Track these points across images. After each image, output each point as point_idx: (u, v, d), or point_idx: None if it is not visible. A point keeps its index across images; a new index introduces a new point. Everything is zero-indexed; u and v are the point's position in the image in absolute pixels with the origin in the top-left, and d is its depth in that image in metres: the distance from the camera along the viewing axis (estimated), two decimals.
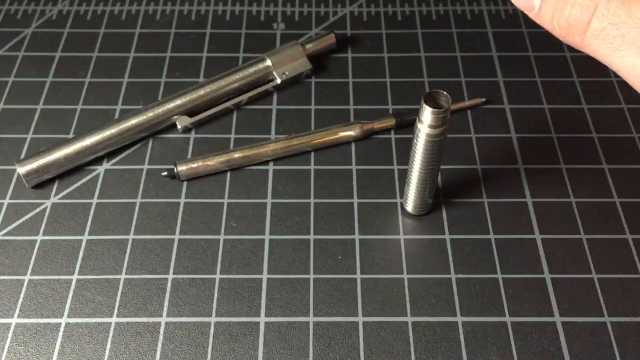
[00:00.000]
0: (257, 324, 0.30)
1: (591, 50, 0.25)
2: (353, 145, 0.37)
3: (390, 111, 0.39)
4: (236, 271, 0.32)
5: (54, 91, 0.40)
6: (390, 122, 0.37)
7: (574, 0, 0.25)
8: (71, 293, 0.31)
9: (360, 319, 0.30)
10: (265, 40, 0.43)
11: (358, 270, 0.32)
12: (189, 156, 0.37)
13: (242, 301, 0.31)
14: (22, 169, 0.35)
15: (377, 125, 0.37)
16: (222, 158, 0.35)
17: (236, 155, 0.36)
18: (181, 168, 0.35)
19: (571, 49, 0.42)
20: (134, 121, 0.37)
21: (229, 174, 0.36)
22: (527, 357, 0.29)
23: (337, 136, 0.37)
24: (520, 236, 0.33)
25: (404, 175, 0.36)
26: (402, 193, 0.34)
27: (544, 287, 0.31)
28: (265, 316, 0.30)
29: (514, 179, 0.36)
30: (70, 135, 0.38)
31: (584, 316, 0.30)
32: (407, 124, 0.38)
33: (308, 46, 0.41)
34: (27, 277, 0.32)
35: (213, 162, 0.35)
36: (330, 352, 0.29)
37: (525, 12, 0.28)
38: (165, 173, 0.35)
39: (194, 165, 0.35)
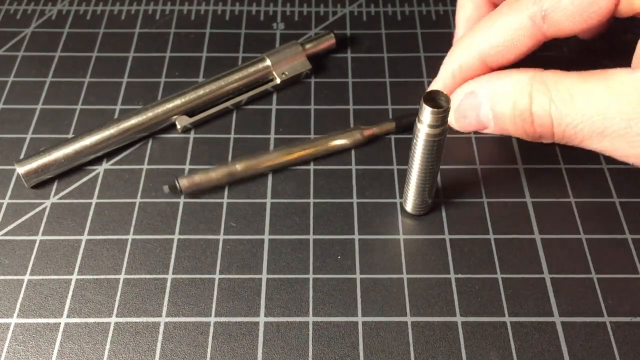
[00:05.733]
0: (257, 323, 0.30)
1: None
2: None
3: (390, 111, 0.39)
4: (235, 271, 0.32)
5: (54, 91, 0.40)
6: (390, 126, 0.37)
7: (532, 125, 0.31)
8: (70, 293, 0.31)
9: (359, 319, 0.30)
10: (265, 40, 0.43)
11: (357, 270, 0.32)
12: (189, 157, 0.37)
13: (241, 301, 0.31)
14: (21, 169, 0.35)
15: (378, 130, 0.37)
16: (224, 171, 0.35)
17: (238, 167, 0.35)
18: (183, 183, 0.34)
19: (571, 49, 0.42)
20: (133, 121, 0.37)
21: None
22: (526, 357, 0.29)
23: (339, 143, 0.37)
24: (520, 236, 0.33)
25: (404, 175, 0.36)
26: (402, 193, 0.34)
27: (543, 287, 0.31)
28: (265, 316, 0.30)
29: (514, 179, 0.36)
30: (70, 135, 0.38)
31: (584, 316, 0.30)
32: (408, 127, 0.37)
33: (308, 46, 0.41)
34: (26, 277, 0.32)
35: (216, 175, 0.35)
36: (329, 352, 0.29)
37: (479, 131, 0.33)
38: (167, 189, 0.34)
39: (197, 179, 0.34)
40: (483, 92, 0.32)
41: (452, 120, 0.34)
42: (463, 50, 0.33)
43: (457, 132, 0.38)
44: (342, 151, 0.37)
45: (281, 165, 0.36)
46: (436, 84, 0.35)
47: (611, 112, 0.28)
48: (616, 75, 0.28)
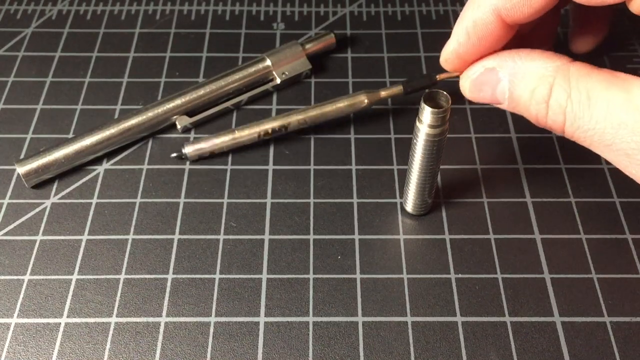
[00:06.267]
0: (257, 323, 0.30)
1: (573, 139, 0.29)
2: (353, 145, 0.37)
3: (390, 111, 0.39)
4: (236, 271, 0.32)
5: (54, 91, 0.40)
6: (397, 89, 0.37)
7: (545, 116, 0.29)
8: (71, 293, 0.31)
9: (359, 319, 0.30)
10: (265, 40, 0.43)
11: (358, 270, 0.32)
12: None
13: (241, 301, 0.31)
14: (21, 169, 0.35)
15: (384, 93, 0.37)
16: (228, 137, 0.36)
17: (240, 132, 0.36)
18: (188, 149, 0.36)
19: None
20: (133, 121, 0.37)
21: (228, 173, 0.36)
22: (526, 357, 0.29)
23: (345, 104, 0.37)
24: (520, 236, 0.33)
25: (404, 175, 0.36)
26: (402, 193, 0.34)
27: (543, 287, 0.31)
28: (265, 316, 0.30)
29: (514, 179, 0.36)
30: (70, 135, 0.38)
31: (584, 316, 0.30)
32: (416, 90, 0.36)
33: (308, 46, 0.41)
34: (26, 277, 0.32)
35: (219, 140, 0.36)
36: (329, 352, 0.29)
37: (495, 105, 0.31)
38: (174, 154, 0.36)
39: (201, 145, 0.36)
40: (505, 70, 0.30)
41: (466, 90, 0.31)
42: (477, 5, 0.31)
43: (458, 132, 0.38)
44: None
45: (285, 126, 0.36)
46: (450, 44, 0.33)
47: (624, 130, 0.27)
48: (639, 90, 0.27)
